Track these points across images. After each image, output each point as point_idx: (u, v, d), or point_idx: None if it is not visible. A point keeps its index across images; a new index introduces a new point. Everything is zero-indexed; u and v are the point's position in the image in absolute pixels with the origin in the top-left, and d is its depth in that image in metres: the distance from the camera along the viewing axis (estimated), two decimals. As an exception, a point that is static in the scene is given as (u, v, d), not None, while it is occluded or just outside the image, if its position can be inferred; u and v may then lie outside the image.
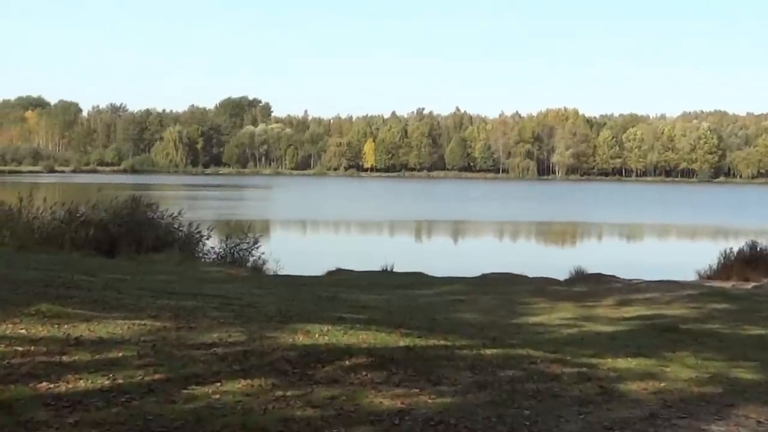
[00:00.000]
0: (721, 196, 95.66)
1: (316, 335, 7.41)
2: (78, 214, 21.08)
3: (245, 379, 5.53)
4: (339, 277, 16.80)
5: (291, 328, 7.82)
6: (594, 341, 8.96)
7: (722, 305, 12.86)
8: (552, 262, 26.37)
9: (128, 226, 20.59)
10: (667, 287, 15.28)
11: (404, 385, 5.70)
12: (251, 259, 20.41)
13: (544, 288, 15.29)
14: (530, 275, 18.55)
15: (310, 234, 40.99)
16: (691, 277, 20.54)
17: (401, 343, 7.21)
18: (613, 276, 18.67)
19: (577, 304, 12.91)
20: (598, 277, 18.23)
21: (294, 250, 28.07)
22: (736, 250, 21.55)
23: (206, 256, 20.79)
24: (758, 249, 21.40)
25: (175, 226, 21.79)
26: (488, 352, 7.16)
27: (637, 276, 19.05)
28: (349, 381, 5.70)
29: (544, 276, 18.45)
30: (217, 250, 20.85)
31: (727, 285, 17.31)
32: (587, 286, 16.29)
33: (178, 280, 14.14)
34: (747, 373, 7.27)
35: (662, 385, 6.24)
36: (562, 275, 19.12)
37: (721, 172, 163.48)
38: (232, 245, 20.73)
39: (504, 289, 14.89)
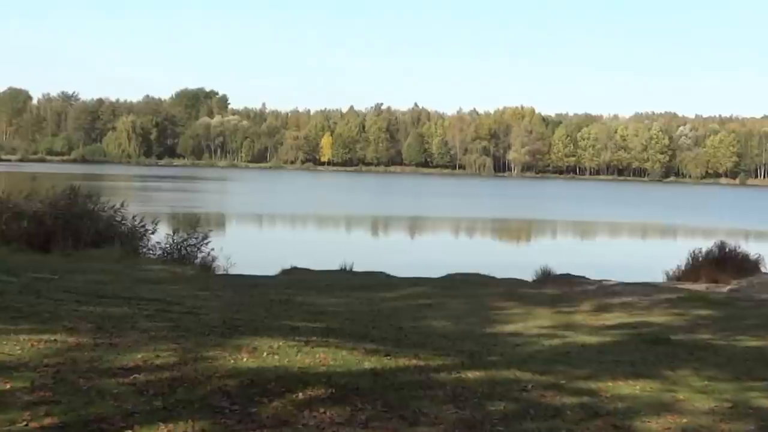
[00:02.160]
0: (676, 195, 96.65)
1: (264, 354, 6.18)
2: (10, 205, 19.35)
3: (167, 422, 4.28)
4: (294, 277, 15.52)
5: (234, 344, 6.57)
6: (582, 356, 7.90)
7: (705, 311, 12.00)
8: (516, 260, 25.46)
9: (65, 218, 18.94)
10: (643, 290, 14.42)
11: (373, 426, 4.52)
12: (200, 256, 18.93)
13: (514, 291, 14.26)
14: (495, 275, 17.56)
15: (265, 229, 39.41)
16: (659, 277, 19.84)
17: (366, 365, 6.02)
18: (583, 277, 17.79)
19: (552, 310, 11.90)
20: (568, 279, 17.31)
21: (247, 247, 26.61)
22: (704, 250, 20.83)
23: (151, 252, 19.25)
24: (727, 250, 20.74)
25: (118, 219, 20.17)
26: (470, 375, 6.01)
27: (604, 276, 18.23)
28: (302, 422, 4.50)
29: (511, 277, 17.46)
30: (163, 245, 19.31)
31: (701, 287, 16.55)
32: (558, 288, 15.32)
33: (113, 280, 12.73)
34: (766, 398, 6.28)
35: (684, 421, 5.18)
36: (527, 274, 18.19)
37: (671, 171, 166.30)
38: (180, 240, 19.23)
39: (472, 291, 13.80)
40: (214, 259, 18.58)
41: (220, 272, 17.40)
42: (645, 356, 7.99)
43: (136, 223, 20.25)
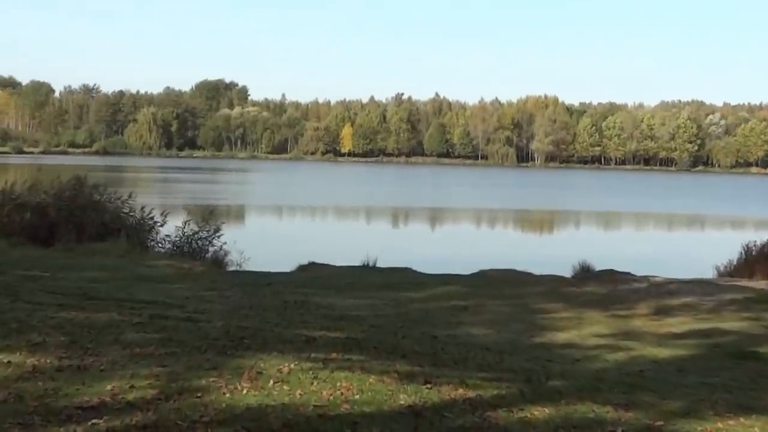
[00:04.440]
0: (709, 185, 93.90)
1: (271, 382, 4.83)
2: (13, 197, 18.20)
3: None
4: (312, 274, 14.16)
5: (235, 366, 5.24)
6: (661, 378, 6.47)
7: (781, 315, 10.46)
8: (548, 254, 23.98)
9: (70, 210, 17.78)
10: (702, 289, 12.89)
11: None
12: (211, 250, 17.63)
13: (557, 290, 12.80)
14: (530, 270, 16.07)
15: (282, 221, 38.04)
16: (708, 272, 18.21)
17: (401, 399, 4.65)
18: (628, 273, 16.21)
19: (606, 314, 10.45)
20: (612, 275, 15.75)
21: (263, 240, 25.36)
22: (758, 243, 19.10)
23: (160, 246, 17.99)
24: (784, 244, 18.97)
25: (125, 210, 18.92)
26: (536, 412, 4.62)
27: (648, 272, 16.68)
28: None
29: (545, 272, 15.96)
30: (173, 238, 18.02)
31: (763, 286, 14.93)
32: (603, 285, 13.82)
33: (110, 278, 11.48)
34: None
35: None
36: (562, 269, 16.65)
37: (700, 161, 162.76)
38: (190, 234, 17.93)
39: (511, 291, 12.37)
40: (226, 254, 17.27)
41: (232, 268, 16.12)
42: (736, 377, 6.55)
43: (144, 214, 18.99)
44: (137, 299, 9.14)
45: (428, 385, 5.05)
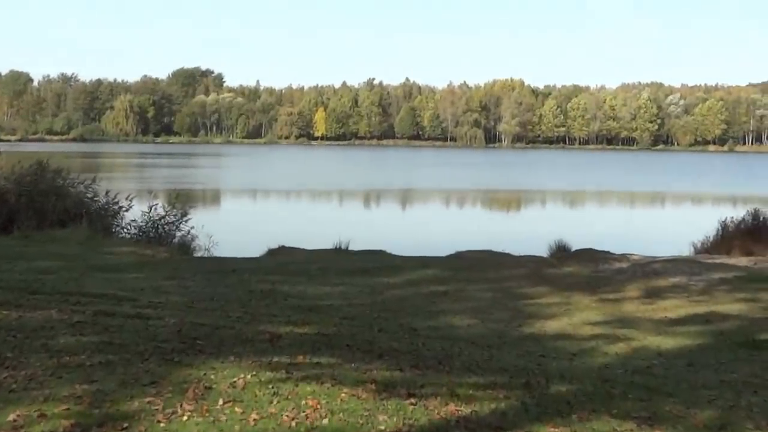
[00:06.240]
0: (671, 162, 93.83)
1: (219, 402, 4.00)
2: (-30, 183, 17.15)
3: None
4: (282, 259, 13.27)
5: (179, 380, 4.40)
6: (673, 375, 5.77)
7: (779, 296, 9.80)
8: (523, 234, 23.33)
9: (30, 195, 16.79)
10: (689, 268, 12.20)
11: None
12: (178, 235, 16.74)
13: (538, 272, 12.03)
14: (506, 250, 15.30)
15: (254, 205, 36.83)
16: (685, 249, 17.62)
17: (381, 423, 3.85)
18: (608, 252, 15.50)
19: (594, 298, 9.73)
20: (591, 254, 15.00)
21: (233, 224, 24.37)
22: (735, 218, 18.51)
23: (125, 232, 17.05)
24: (761, 219, 18.41)
25: (89, 195, 17.93)
26: (542, 433, 3.84)
27: (626, 250, 15.99)
28: None
29: (526, 254, 15.17)
30: (138, 224, 17.06)
31: (746, 263, 14.29)
32: (585, 266, 13.08)
33: (62, 268, 10.51)
34: None
35: None
36: (539, 249, 15.90)
37: (660, 140, 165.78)
38: (156, 218, 16.99)
39: (491, 274, 11.59)
40: (193, 239, 16.40)
41: (199, 254, 15.23)
42: (755, 372, 5.87)
43: (109, 199, 18.00)
44: (86, 292, 8.23)
45: (412, 399, 4.25)
